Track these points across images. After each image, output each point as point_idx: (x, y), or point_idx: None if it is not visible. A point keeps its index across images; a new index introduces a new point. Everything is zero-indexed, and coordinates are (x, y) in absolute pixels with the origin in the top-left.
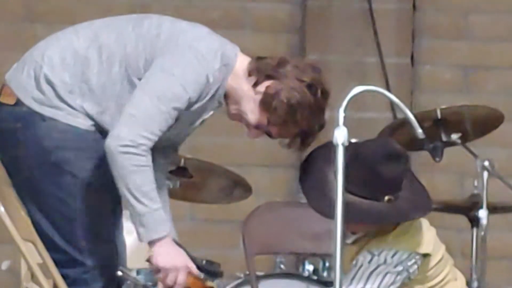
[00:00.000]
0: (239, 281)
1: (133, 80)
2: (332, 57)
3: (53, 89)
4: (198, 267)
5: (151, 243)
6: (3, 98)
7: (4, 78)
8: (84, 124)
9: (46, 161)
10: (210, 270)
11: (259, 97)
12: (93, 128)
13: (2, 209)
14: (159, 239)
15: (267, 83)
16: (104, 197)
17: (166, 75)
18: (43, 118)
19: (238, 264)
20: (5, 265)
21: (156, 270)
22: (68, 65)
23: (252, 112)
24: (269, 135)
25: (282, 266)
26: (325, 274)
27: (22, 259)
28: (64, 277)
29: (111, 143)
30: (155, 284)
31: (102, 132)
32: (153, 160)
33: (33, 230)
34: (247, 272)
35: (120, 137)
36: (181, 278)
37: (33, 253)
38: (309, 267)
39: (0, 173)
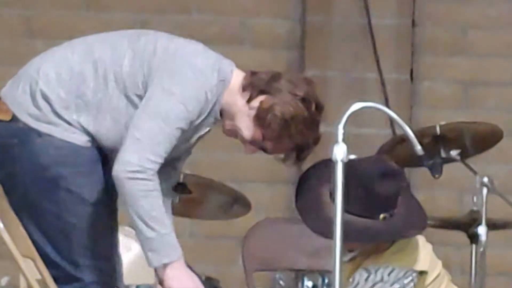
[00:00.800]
0: None
1: (130, 95)
2: (331, 73)
3: (49, 104)
4: None
5: (163, 267)
6: None
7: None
8: (81, 140)
9: (42, 177)
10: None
11: (253, 112)
12: (89, 144)
13: (1, 225)
14: (171, 263)
15: (261, 98)
16: (101, 213)
17: (167, 95)
18: (39, 134)
19: (237, 280)
20: (4, 281)
21: None
22: (64, 81)
23: (246, 128)
24: (265, 150)
25: (281, 282)
26: None
27: (21, 275)
28: None
29: (119, 169)
30: None
31: (98, 148)
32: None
33: (32, 246)
34: None
35: (128, 162)
36: None
37: (32, 270)
38: (308, 284)
39: None
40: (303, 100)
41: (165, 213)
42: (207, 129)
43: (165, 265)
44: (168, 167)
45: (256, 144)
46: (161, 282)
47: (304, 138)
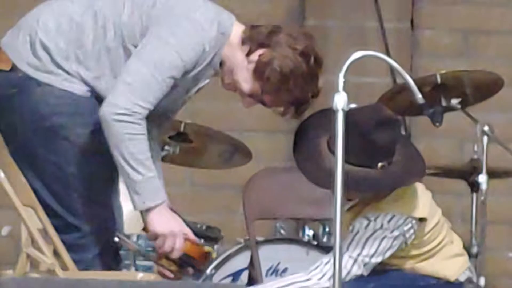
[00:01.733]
0: (239, 246)
1: (128, 47)
2: (331, 22)
3: (48, 54)
4: (195, 233)
5: (147, 211)
6: None
7: None
8: (80, 89)
9: (41, 127)
10: (207, 235)
11: (252, 66)
12: (88, 94)
13: (2, 174)
14: (154, 207)
15: (260, 51)
16: (100, 162)
17: (162, 43)
18: (38, 83)
19: (238, 229)
20: (5, 230)
21: (153, 237)
22: (63, 31)
23: (245, 81)
24: (263, 103)
25: (282, 231)
26: (325, 239)
27: (22, 224)
28: (62, 242)
29: (106, 111)
30: (153, 250)
31: (98, 97)
32: (147, 130)
33: (33, 195)
34: (247, 237)
35: (115, 105)
36: (179, 243)
37: (33, 219)
38: (309, 232)
39: None
40: (302, 54)
41: (150, 158)
42: (207, 81)
43: (149, 209)
44: (162, 116)
45: (254, 98)
46: (145, 226)
47: (303, 92)
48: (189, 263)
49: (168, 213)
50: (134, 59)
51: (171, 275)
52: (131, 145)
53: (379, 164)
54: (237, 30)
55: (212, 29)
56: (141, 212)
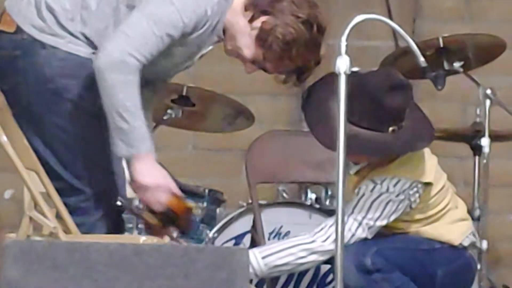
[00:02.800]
0: (242, 209)
1: (132, 7)
2: None
3: (53, 16)
4: (180, 188)
5: (132, 159)
6: (2, 25)
7: (4, 6)
8: (85, 52)
9: (45, 89)
10: (190, 190)
11: (255, 32)
12: (93, 56)
13: (5, 138)
14: (140, 156)
15: (263, 18)
16: (104, 126)
17: (166, 2)
18: (43, 45)
19: (240, 193)
20: (8, 194)
21: (136, 186)
22: None
23: (248, 47)
24: (265, 70)
25: (284, 194)
26: (327, 202)
27: (25, 188)
28: (65, 206)
29: (100, 58)
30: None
31: None
32: (142, 93)
33: (36, 159)
34: (250, 201)
35: (110, 53)
36: (162, 196)
37: (36, 182)
38: (312, 196)
39: (1, 102)
40: (305, 22)
41: (140, 107)
42: (210, 47)
43: (133, 158)
44: (160, 81)
45: (256, 64)
46: (131, 179)
47: (305, 60)
48: (171, 217)
49: (154, 164)
50: (135, 11)
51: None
52: (122, 93)
53: (390, 129)
54: None
55: None
56: (127, 161)
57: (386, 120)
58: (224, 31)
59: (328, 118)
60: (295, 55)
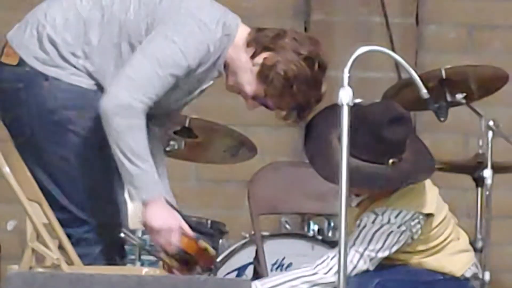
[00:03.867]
0: (244, 241)
1: (133, 44)
2: (337, 17)
3: (56, 49)
4: (192, 228)
5: (143, 204)
6: (5, 58)
7: (6, 38)
8: (87, 83)
9: (48, 121)
10: (204, 231)
11: (256, 68)
12: (95, 88)
13: (8, 169)
14: (151, 200)
15: (264, 54)
16: (107, 157)
17: (168, 41)
18: (46, 77)
19: (243, 224)
20: (11, 225)
21: (149, 230)
22: (71, 26)
23: (249, 83)
24: (267, 106)
25: (287, 226)
26: (330, 234)
27: (27, 219)
28: (68, 237)
29: (107, 103)
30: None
31: (104, 91)
32: (148, 128)
33: (38, 190)
34: (252, 232)
35: (116, 97)
36: (175, 238)
37: (39, 213)
38: (314, 227)
39: (3, 133)
40: (307, 59)
41: (148, 152)
42: (211, 82)
43: (145, 203)
44: (164, 117)
45: (257, 100)
46: (143, 223)
47: (306, 97)
48: (187, 259)
49: (165, 207)
50: (138, 53)
51: (176, 272)
52: (129, 138)
53: (390, 161)
54: (242, 32)
55: (218, 30)
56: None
57: (386, 152)
58: (225, 67)
59: (329, 151)
60: (296, 92)
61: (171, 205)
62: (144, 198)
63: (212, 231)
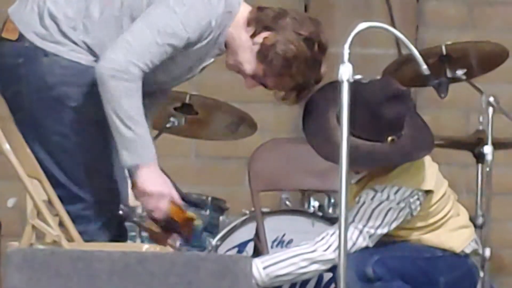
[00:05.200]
0: (244, 217)
1: (135, 17)
2: None
3: (56, 24)
4: (183, 199)
5: (136, 168)
6: (5, 33)
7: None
8: (87, 59)
9: (47, 96)
10: (192, 200)
11: (256, 47)
12: (95, 64)
13: (7, 146)
14: (144, 164)
15: (264, 34)
16: (106, 133)
17: (169, 11)
18: (45, 53)
19: (243, 201)
20: (11, 202)
21: (139, 194)
22: (72, 1)
23: (248, 62)
24: (265, 86)
25: (287, 202)
26: (330, 210)
27: (27, 196)
28: (67, 213)
29: (102, 65)
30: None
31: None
32: (145, 105)
33: (38, 167)
34: (253, 209)
35: (112, 60)
36: (164, 204)
37: (39, 190)
38: (315, 204)
39: (3, 110)
40: (307, 39)
41: (143, 115)
42: (211, 60)
43: (137, 166)
44: (161, 92)
45: (256, 79)
46: (133, 185)
47: (305, 78)
48: (171, 226)
49: (157, 173)
50: (139, 20)
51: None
52: (124, 101)
53: (389, 138)
54: (243, 10)
55: (220, 5)
56: (130, 170)
57: (385, 130)
58: (226, 45)
59: (327, 130)
60: (295, 72)
61: (164, 172)
62: (137, 162)
63: (199, 201)
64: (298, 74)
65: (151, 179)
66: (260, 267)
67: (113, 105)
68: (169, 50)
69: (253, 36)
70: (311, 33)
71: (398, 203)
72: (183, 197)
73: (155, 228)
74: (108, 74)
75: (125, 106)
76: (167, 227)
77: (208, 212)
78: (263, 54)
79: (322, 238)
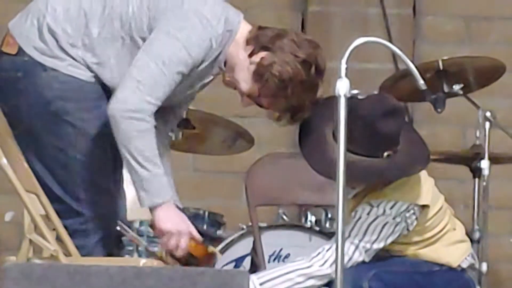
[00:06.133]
0: (241, 232)
1: (135, 38)
2: (334, 8)
3: (55, 39)
4: (200, 233)
5: (153, 208)
6: (5, 47)
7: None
8: (85, 75)
9: (45, 111)
10: (213, 236)
11: (253, 67)
12: (93, 80)
13: (5, 160)
14: (161, 204)
15: (262, 54)
16: (104, 148)
17: (171, 39)
18: (44, 68)
19: (240, 215)
20: (8, 216)
21: (158, 233)
22: (71, 17)
23: (245, 81)
24: (260, 105)
25: (284, 217)
26: (327, 225)
27: (25, 210)
28: (64, 228)
29: (115, 108)
30: (154, 237)
31: (102, 84)
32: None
33: (36, 181)
34: (250, 223)
35: (124, 102)
36: (184, 242)
37: (36, 205)
38: (312, 218)
39: (2, 124)
40: (304, 62)
41: (158, 155)
42: (211, 77)
43: (155, 206)
44: (169, 112)
45: (252, 99)
46: (152, 225)
47: (300, 101)
48: (193, 263)
49: (175, 211)
50: (142, 54)
51: None
52: (139, 142)
53: (385, 154)
54: (243, 28)
55: (219, 25)
56: (150, 209)
57: (380, 145)
58: (224, 62)
59: (323, 146)
60: (290, 94)
61: (181, 209)
62: (155, 202)
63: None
64: (293, 96)
65: (168, 217)
66: (256, 283)
67: (128, 146)
68: (178, 78)
69: (251, 55)
70: (308, 55)
71: (394, 218)
72: (202, 233)
73: (174, 263)
74: (121, 115)
75: (140, 146)
76: (187, 264)
77: (205, 226)
78: (259, 74)
79: (318, 254)
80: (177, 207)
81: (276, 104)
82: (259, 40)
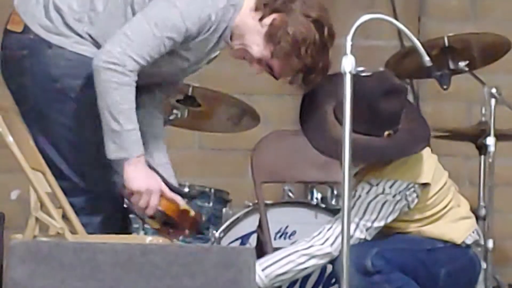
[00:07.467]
0: (247, 209)
1: (137, 10)
2: None
3: (61, 16)
4: (172, 190)
5: (123, 165)
6: (11, 25)
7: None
8: (91, 52)
9: (52, 88)
10: (183, 192)
11: (264, 29)
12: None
13: (11, 138)
14: (129, 160)
15: (274, 16)
16: None
17: (170, 5)
18: (49, 45)
19: (246, 192)
20: (14, 194)
21: (129, 193)
22: None
23: (256, 44)
24: (271, 69)
25: (290, 194)
26: (333, 202)
27: (31, 188)
28: (70, 206)
29: (99, 58)
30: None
31: None
32: (150, 92)
33: (42, 159)
34: (256, 201)
35: (108, 52)
36: (153, 201)
37: (42, 183)
38: (318, 195)
39: (8, 102)
40: (316, 22)
41: (134, 110)
42: (217, 52)
43: (124, 161)
44: (169, 85)
45: (263, 63)
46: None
47: (313, 61)
48: (167, 221)
49: (144, 169)
50: (138, 14)
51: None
52: (116, 93)
53: (386, 133)
54: (248, 1)
55: (221, 0)
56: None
57: (382, 124)
58: (231, 36)
59: (324, 125)
60: (303, 54)
61: (151, 167)
62: (123, 157)
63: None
64: (306, 56)
65: (137, 175)
66: (258, 270)
67: (105, 97)
68: (168, 43)
69: (261, 19)
70: (320, 16)
71: (393, 196)
72: (173, 190)
73: (154, 224)
74: (103, 66)
75: (116, 98)
76: (164, 223)
77: (211, 204)
78: (271, 35)
79: (320, 233)
80: (150, 165)
81: (288, 65)
82: (269, 4)
